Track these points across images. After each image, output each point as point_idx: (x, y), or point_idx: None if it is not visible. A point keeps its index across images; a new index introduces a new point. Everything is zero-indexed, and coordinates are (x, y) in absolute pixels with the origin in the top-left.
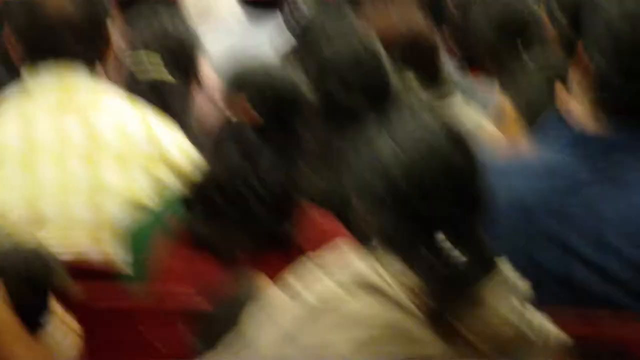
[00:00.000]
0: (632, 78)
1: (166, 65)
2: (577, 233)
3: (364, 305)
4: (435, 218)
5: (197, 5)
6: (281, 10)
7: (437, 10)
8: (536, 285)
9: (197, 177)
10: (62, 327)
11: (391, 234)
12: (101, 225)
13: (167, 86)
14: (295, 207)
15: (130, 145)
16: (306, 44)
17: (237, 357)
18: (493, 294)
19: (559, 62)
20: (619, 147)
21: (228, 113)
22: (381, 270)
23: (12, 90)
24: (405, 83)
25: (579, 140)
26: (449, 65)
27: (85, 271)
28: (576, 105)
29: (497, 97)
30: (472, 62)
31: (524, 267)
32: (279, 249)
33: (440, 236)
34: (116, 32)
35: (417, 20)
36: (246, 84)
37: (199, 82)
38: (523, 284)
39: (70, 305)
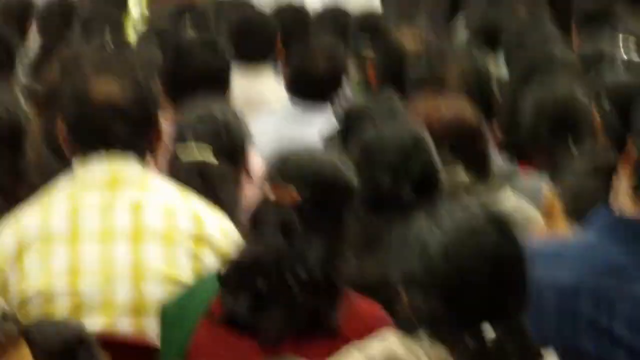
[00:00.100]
0: None
1: (214, 153)
2: (615, 318)
3: None
4: (481, 307)
5: (246, 94)
6: (331, 103)
7: (486, 102)
8: None
9: (237, 257)
10: None
11: (437, 322)
12: (141, 306)
13: (215, 174)
14: (338, 293)
15: (175, 228)
16: (352, 130)
17: None
18: None
19: (609, 156)
20: None
21: (272, 197)
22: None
23: (62, 178)
24: (452, 174)
25: (617, 225)
26: (497, 157)
27: (120, 347)
28: (623, 195)
29: (546, 190)
30: (521, 155)
31: (567, 355)
32: (321, 336)
33: (486, 325)
34: (166, 123)
35: (465, 111)
36: (291, 168)
37: (246, 171)
38: None
39: None
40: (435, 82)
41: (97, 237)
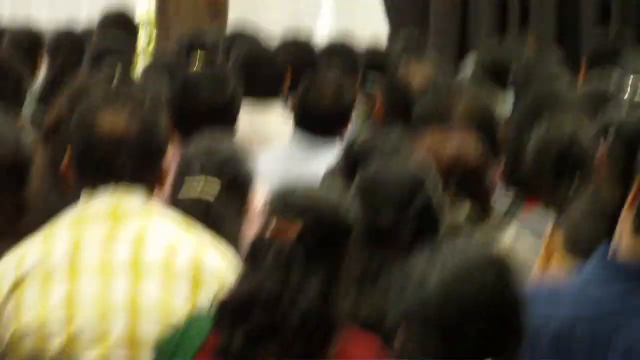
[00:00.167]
0: None
1: (219, 188)
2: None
3: None
4: (478, 346)
5: (253, 128)
6: (338, 138)
7: (491, 139)
8: None
9: (234, 290)
10: None
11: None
12: (136, 340)
13: (219, 208)
14: (335, 328)
15: (175, 262)
16: (356, 164)
17: None
18: None
19: (613, 194)
20: None
21: (270, 232)
22: None
23: (66, 210)
24: (455, 210)
25: (616, 265)
26: (501, 193)
27: None
28: (626, 234)
29: (548, 228)
30: (525, 192)
31: None
32: None
33: None
34: (172, 156)
35: (470, 148)
36: (291, 203)
37: (250, 205)
38: None
39: None
40: (440, 118)
41: (96, 270)
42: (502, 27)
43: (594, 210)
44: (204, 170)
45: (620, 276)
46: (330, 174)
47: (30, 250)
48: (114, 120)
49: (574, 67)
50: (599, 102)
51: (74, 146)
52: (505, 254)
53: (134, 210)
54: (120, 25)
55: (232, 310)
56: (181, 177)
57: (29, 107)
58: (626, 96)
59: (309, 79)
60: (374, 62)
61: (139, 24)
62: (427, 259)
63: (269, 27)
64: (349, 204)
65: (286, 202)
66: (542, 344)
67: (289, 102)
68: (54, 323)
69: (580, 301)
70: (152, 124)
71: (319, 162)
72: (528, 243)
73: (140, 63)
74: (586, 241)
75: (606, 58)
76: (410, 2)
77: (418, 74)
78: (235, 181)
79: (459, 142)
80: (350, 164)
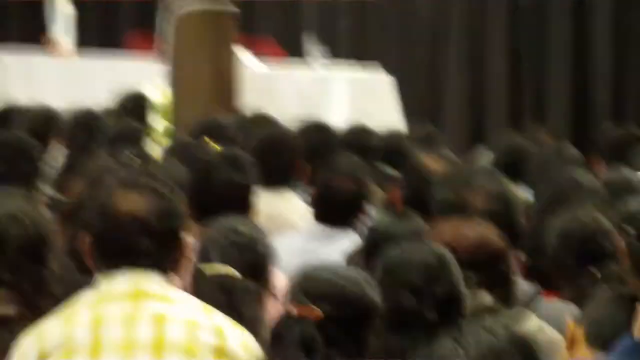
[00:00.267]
0: None
1: (238, 269)
2: None
3: None
4: None
5: (270, 212)
6: (355, 223)
7: (511, 228)
8: None
9: None
10: None
11: None
12: None
13: (238, 290)
14: None
15: (197, 341)
16: (376, 249)
17: None
18: None
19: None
20: None
21: (294, 313)
22: None
23: (85, 292)
24: (476, 298)
25: (634, 350)
26: (521, 283)
27: None
28: None
29: (569, 318)
30: (545, 282)
31: None
32: None
33: None
34: (191, 238)
35: (490, 235)
36: (314, 286)
37: (269, 288)
38: None
39: None
40: (459, 206)
41: (119, 348)
42: (516, 121)
43: (616, 301)
44: (224, 254)
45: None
46: (351, 259)
47: (51, 329)
48: (132, 203)
49: (587, 157)
50: (619, 191)
51: (93, 228)
52: (528, 338)
53: (153, 291)
54: (136, 109)
55: None
56: (201, 260)
57: (45, 188)
58: None
59: (326, 165)
60: (392, 146)
61: (154, 107)
62: (451, 343)
63: (282, 115)
64: (372, 288)
65: (308, 284)
66: None
67: (306, 189)
68: None
69: None
70: (170, 206)
71: (337, 245)
72: (549, 334)
73: (156, 143)
74: (609, 333)
75: (619, 152)
76: (424, 94)
77: (433, 165)
78: (254, 263)
79: (480, 230)
80: (372, 249)
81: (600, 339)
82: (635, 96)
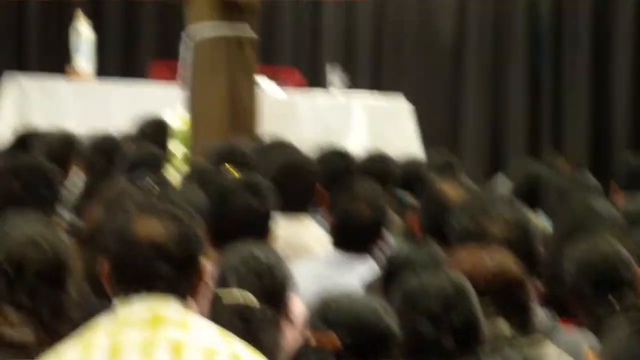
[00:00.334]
0: None
1: (256, 296)
2: None
3: None
4: None
5: (288, 238)
6: (373, 251)
7: (529, 256)
8: None
9: None
10: None
11: None
12: None
13: (256, 317)
14: None
15: None
16: (394, 277)
17: None
18: None
19: None
20: None
21: (313, 341)
22: None
23: (102, 316)
24: (494, 327)
25: None
26: (539, 312)
27: None
28: None
29: (586, 348)
30: (563, 311)
31: None
32: None
33: None
34: (209, 263)
35: (509, 264)
36: (332, 314)
37: (287, 314)
38: None
39: None
40: (478, 234)
41: None
42: (534, 151)
43: (633, 330)
44: (242, 280)
45: None
46: (369, 287)
47: (69, 355)
48: (150, 228)
49: (605, 191)
50: (638, 221)
51: (111, 253)
52: None
53: (171, 318)
54: (155, 135)
55: None
56: (220, 285)
57: (64, 213)
58: None
59: (344, 192)
60: (410, 174)
61: (174, 133)
62: None
63: (301, 141)
64: (389, 315)
65: (326, 312)
66: None
67: (324, 215)
68: None
69: None
70: (188, 231)
71: (355, 273)
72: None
73: (175, 169)
74: None
75: (637, 181)
76: (443, 122)
77: (452, 193)
78: (272, 290)
79: (498, 258)
80: (390, 277)
81: None
82: None
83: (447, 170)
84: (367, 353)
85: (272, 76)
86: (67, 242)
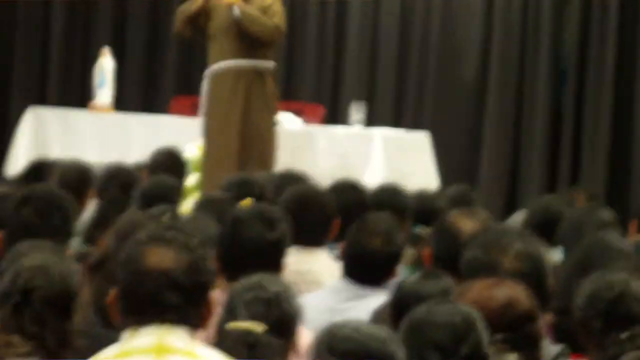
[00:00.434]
0: None
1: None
2: None
3: None
4: None
5: (300, 269)
6: (386, 282)
7: (540, 289)
8: None
9: None
10: None
11: None
12: None
13: (263, 346)
14: None
15: None
16: (403, 307)
17: None
18: None
19: None
20: None
21: None
22: None
23: (110, 346)
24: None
25: None
26: (549, 345)
27: None
28: None
29: None
30: (573, 344)
31: None
32: None
33: None
34: (218, 292)
35: (520, 296)
36: (338, 343)
37: (294, 344)
38: None
39: None
40: (489, 266)
41: None
42: (552, 186)
43: None
44: (251, 309)
45: None
46: (377, 317)
47: None
48: (160, 257)
49: (624, 228)
50: None
51: (120, 282)
52: None
53: (178, 347)
54: (170, 166)
55: None
56: (228, 315)
57: (76, 242)
58: None
59: (358, 224)
60: (423, 205)
61: (189, 164)
62: None
63: (317, 172)
64: (397, 345)
65: (333, 342)
66: None
67: (338, 247)
68: None
69: None
70: (198, 261)
71: (366, 304)
72: None
73: (188, 198)
74: None
75: None
76: (461, 157)
77: (466, 226)
78: (280, 319)
79: (509, 291)
80: (399, 308)
81: None
82: None
83: (463, 201)
84: None
85: (294, 110)
86: (76, 271)
